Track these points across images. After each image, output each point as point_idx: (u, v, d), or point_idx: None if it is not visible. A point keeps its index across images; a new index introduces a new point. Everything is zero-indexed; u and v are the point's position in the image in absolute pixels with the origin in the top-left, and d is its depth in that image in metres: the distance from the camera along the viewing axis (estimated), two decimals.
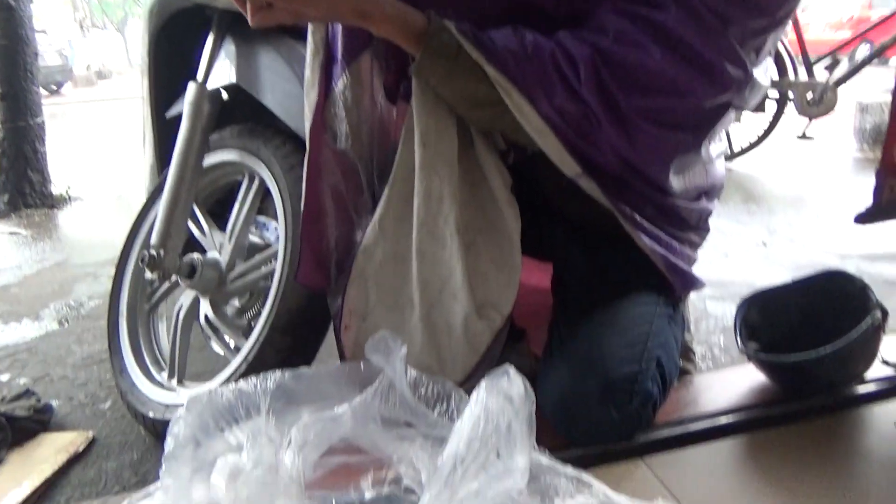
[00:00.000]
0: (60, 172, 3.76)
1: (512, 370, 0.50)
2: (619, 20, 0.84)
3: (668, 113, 0.87)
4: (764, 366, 1.04)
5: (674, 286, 1.00)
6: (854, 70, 3.42)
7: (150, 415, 1.22)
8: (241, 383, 0.62)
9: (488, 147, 0.94)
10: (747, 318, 1.09)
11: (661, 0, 0.83)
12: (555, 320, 1.04)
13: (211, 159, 1.32)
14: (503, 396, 0.47)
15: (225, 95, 1.28)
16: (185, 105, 1.22)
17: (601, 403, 0.86)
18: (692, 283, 1.03)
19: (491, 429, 0.46)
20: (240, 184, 1.32)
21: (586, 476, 0.55)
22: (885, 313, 0.96)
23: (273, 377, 0.66)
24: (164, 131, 1.49)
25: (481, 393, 0.47)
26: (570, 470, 0.54)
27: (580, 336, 0.94)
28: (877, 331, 0.95)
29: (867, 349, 0.98)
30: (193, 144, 1.20)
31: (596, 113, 0.83)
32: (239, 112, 1.36)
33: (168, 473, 0.57)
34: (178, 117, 1.27)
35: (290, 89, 1.14)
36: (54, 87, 12.98)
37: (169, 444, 0.60)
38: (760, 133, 3.59)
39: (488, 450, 0.46)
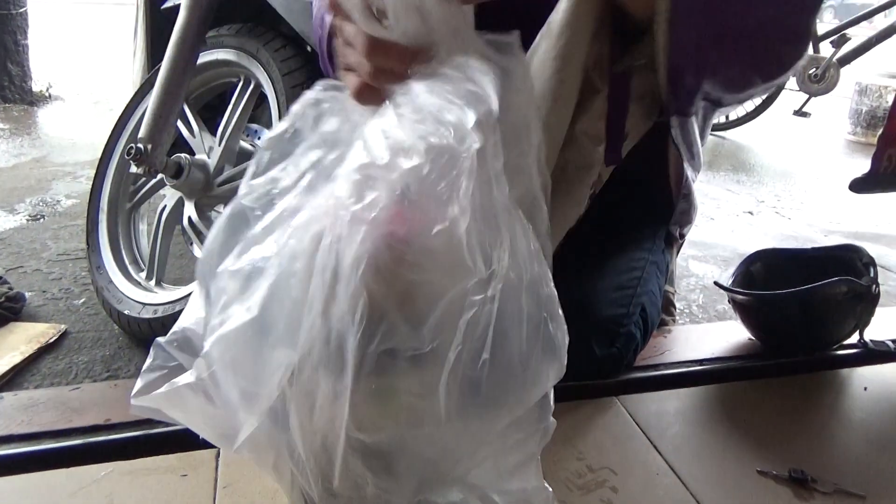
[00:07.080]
0: (41, 70, 3.61)
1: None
2: None
3: None
4: (736, 306, 1.04)
5: (674, 204, 1.01)
6: (860, 50, 3.37)
7: (126, 312, 1.20)
8: None
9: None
10: (750, 270, 1.08)
11: None
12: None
13: (206, 57, 1.26)
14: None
15: None
16: None
17: (586, 341, 0.86)
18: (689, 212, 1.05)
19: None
20: (232, 89, 1.28)
21: None
22: (871, 288, 0.94)
23: None
24: (157, 28, 1.43)
25: None
26: None
27: (572, 277, 0.93)
28: (854, 298, 0.94)
29: (837, 312, 0.97)
30: (190, 35, 1.14)
31: None
32: (238, 13, 1.30)
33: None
34: (174, 11, 1.21)
35: None
36: None
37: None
38: (758, 103, 3.53)
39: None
